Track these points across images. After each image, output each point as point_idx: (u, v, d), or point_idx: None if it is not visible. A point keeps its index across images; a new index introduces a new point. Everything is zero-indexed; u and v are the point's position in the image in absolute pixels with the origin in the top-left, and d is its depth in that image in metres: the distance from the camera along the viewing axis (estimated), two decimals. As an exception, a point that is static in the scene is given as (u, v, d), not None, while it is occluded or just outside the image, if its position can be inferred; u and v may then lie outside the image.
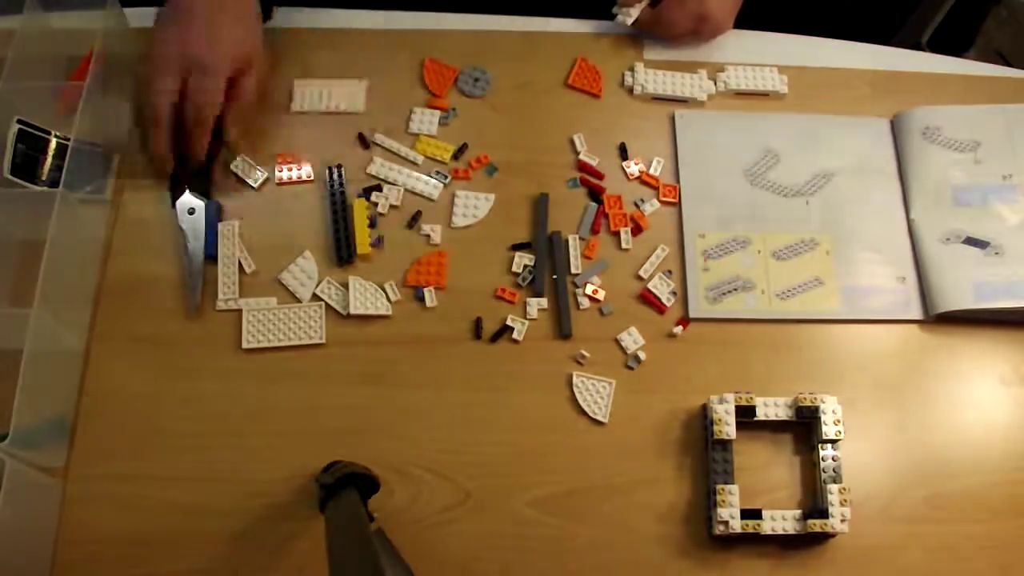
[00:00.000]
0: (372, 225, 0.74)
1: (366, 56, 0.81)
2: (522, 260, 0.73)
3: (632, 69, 0.81)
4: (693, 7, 0.79)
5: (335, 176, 0.75)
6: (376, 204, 0.75)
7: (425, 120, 0.78)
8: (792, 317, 0.73)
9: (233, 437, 0.67)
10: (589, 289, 0.72)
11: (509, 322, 0.71)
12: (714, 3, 0.79)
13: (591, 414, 0.68)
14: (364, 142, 0.77)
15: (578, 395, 0.69)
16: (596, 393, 0.69)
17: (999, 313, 0.72)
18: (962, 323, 0.73)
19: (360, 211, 0.73)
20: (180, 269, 0.72)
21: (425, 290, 0.72)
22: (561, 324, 0.71)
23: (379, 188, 0.75)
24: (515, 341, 0.71)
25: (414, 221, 0.75)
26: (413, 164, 0.77)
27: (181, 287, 0.71)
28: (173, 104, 0.70)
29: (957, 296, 0.72)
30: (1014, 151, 0.78)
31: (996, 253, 0.74)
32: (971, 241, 0.74)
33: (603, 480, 0.67)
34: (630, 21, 0.81)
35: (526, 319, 0.71)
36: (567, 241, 0.74)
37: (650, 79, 0.80)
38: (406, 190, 0.76)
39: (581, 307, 0.72)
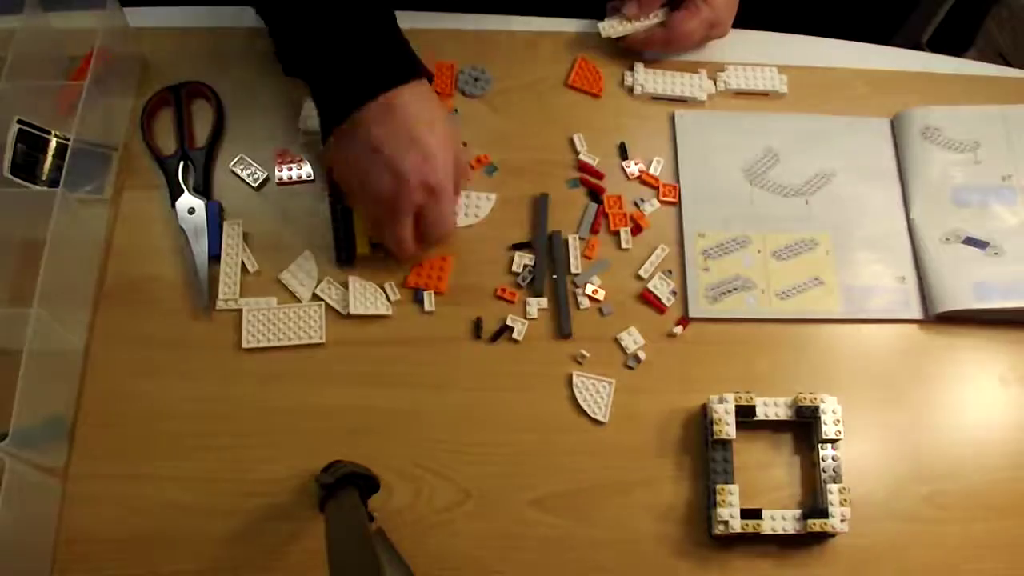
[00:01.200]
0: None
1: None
2: (522, 260, 0.73)
3: (632, 69, 0.81)
4: (706, 14, 0.78)
5: (334, 176, 0.75)
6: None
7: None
8: (792, 317, 0.73)
9: (233, 437, 0.67)
10: (589, 289, 0.72)
11: (509, 322, 0.71)
12: (722, 6, 0.78)
13: (591, 414, 0.68)
14: None
15: (578, 395, 0.69)
16: (596, 393, 0.69)
17: (999, 313, 0.72)
18: (962, 323, 0.73)
19: (360, 211, 0.73)
20: (181, 269, 0.72)
21: (424, 293, 0.72)
22: (561, 324, 0.71)
23: None
24: (515, 341, 0.71)
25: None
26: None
27: (183, 287, 0.71)
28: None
29: (957, 296, 0.72)
30: (1013, 152, 0.78)
31: (996, 253, 0.74)
32: (971, 241, 0.74)
33: (603, 480, 0.67)
34: (614, 34, 0.79)
35: (526, 319, 0.71)
36: (567, 241, 0.74)
37: (650, 79, 0.80)
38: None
39: (581, 307, 0.72)
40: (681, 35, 0.78)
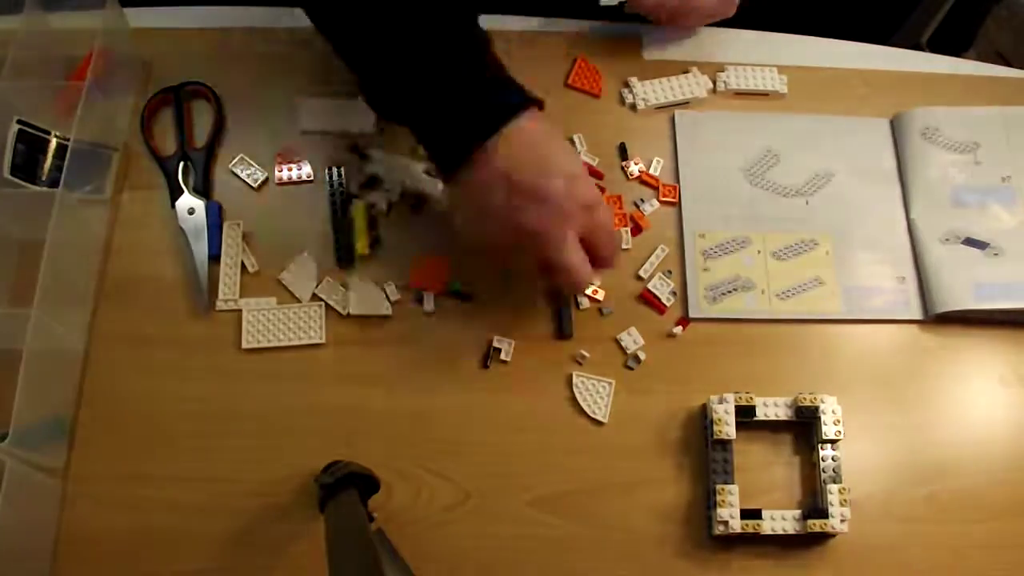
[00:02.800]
0: (372, 226, 0.74)
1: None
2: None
3: (628, 85, 0.80)
4: None
5: (335, 176, 0.75)
6: (374, 205, 0.75)
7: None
8: (792, 317, 0.73)
9: (233, 437, 0.67)
10: (589, 289, 0.72)
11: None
12: None
13: (591, 414, 0.68)
14: (359, 152, 0.77)
15: (578, 395, 0.69)
16: (596, 393, 0.69)
17: (999, 313, 0.72)
18: (962, 323, 0.73)
19: (360, 211, 0.73)
20: (181, 269, 0.72)
21: (424, 293, 0.72)
22: (562, 324, 0.71)
23: (376, 181, 0.75)
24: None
25: (418, 204, 0.75)
26: (413, 162, 0.77)
27: (183, 287, 0.71)
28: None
29: (957, 296, 0.72)
30: (1012, 153, 0.78)
31: (995, 254, 0.74)
32: (970, 242, 0.74)
33: (603, 480, 0.67)
34: (613, 0, 0.75)
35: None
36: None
37: (649, 91, 0.80)
38: (406, 187, 0.76)
39: (581, 307, 0.72)
40: (695, 4, 0.73)
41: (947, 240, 0.75)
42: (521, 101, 0.61)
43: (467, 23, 0.61)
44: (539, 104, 0.62)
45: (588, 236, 0.62)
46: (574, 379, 0.69)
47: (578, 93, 0.81)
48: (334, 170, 0.75)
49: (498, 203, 0.59)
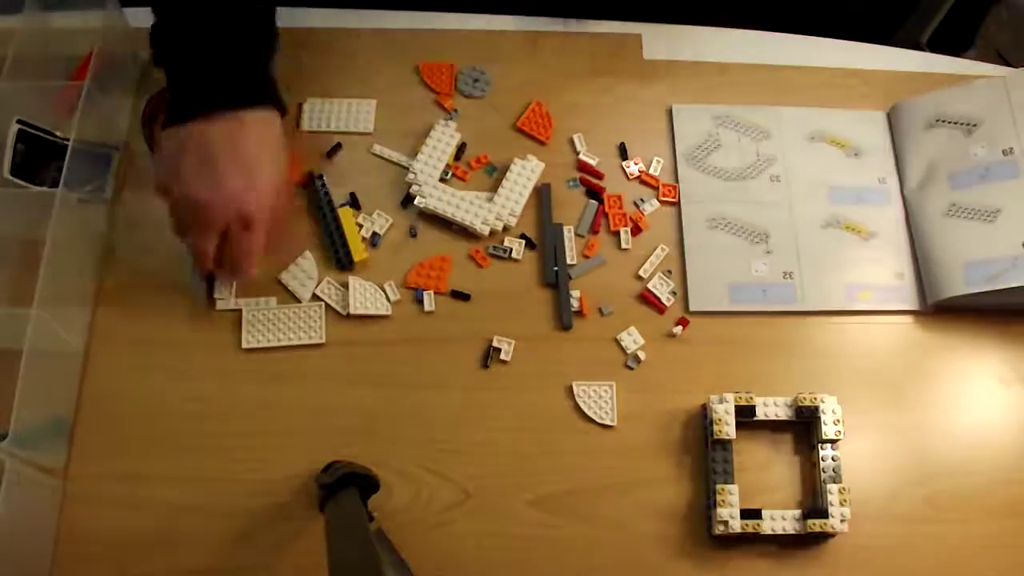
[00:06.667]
0: (372, 241, 0.74)
1: (366, 58, 0.81)
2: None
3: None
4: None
5: (318, 185, 0.74)
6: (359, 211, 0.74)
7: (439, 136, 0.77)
8: (791, 310, 0.72)
9: (233, 437, 0.67)
10: (576, 294, 0.72)
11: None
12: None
13: (598, 420, 0.68)
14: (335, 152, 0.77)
15: (582, 404, 0.69)
16: (600, 398, 0.69)
17: (996, 296, 0.70)
18: (962, 321, 0.73)
19: (348, 220, 0.73)
20: (181, 269, 0.72)
21: (424, 293, 0.72)
22: (562, 315, 0.71)
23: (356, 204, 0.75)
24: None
25: (408, 201, 0.75)
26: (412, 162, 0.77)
27: (182, 287, 0.71)
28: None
29: (954, 282, 0.71)
30: (1016, 127, 0.75)
31: (993, 231, 0.71)
32: (969, 219, 0.73)
33: (603, 480, 0.67)
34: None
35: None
36: (562, 232, 0.74)
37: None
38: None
39: (573, 308, 0.72)
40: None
41: (949, 213, 0.74)
42: (269, 96, 0.67)
43: (267, 22, 0.69)
44: (283, 112, 0.68)
45: (228, 240, 0.66)
46: (575, 389, 0.69)
47: (577, 94, 0.80)
48: (316, 179, 0.74)
49: (188, 164, 0.64)
